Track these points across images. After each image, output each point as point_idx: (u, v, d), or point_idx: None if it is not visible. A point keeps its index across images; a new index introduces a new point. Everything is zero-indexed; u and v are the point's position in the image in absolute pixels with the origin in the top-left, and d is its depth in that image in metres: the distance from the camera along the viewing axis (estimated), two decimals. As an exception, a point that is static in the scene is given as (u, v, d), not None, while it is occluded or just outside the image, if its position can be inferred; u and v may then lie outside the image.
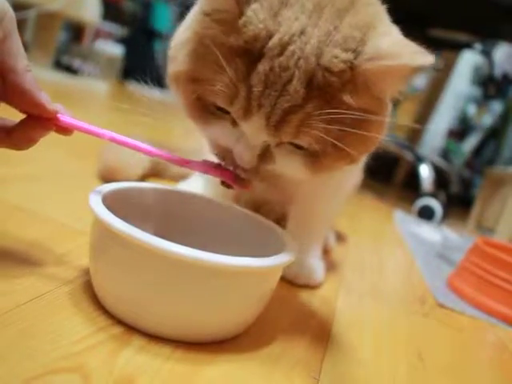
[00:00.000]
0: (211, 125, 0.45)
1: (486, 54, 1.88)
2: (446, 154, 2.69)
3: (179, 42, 0.45)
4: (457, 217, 1.96)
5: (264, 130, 0.41)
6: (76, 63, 2.53)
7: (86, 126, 0.43)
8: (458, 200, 2.18)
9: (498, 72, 2.24)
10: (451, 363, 0.56)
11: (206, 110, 0.45)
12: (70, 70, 2.42)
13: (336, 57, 0.39)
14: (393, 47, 0.40)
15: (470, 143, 2.69)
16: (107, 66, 2.79)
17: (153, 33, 3.28)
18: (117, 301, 0.41)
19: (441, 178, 1.87)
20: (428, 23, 1.71)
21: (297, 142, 0.42)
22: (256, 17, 0.39)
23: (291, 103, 0.39)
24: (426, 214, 1.62)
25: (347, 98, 0.40)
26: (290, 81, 0.39)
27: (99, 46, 2.93)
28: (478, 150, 2.65)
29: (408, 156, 1.92)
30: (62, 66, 2.41)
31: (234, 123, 0.43)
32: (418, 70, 0.39)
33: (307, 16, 0.40)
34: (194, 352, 0.40)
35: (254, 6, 0.39)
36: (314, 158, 0.44)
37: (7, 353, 0.33)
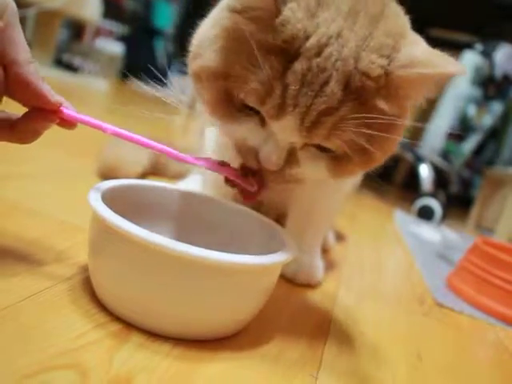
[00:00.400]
0: (238, 123, 0.44)
1: (487, 54, 1.88)
2: (445, 154, 2.69)
3: (205, 39, 0.44)
4: (456, 217, 1.96)
5: (296, 131, 0.41)
6: (76, 61, 2.53)
7: (89, 119, 0.43)
8: (457, 200, 2.18)
9: (498, 73, 2.24)
10: (450, 363, 0.56)
11: (232, 108, 0.44)
12: (70, 68, 2.42)
13: (373, 62, 0.40)
14: (426, 55, 0.41)
15: (470, 144, 2.68)
16: (107, 64, 2.79)
17: (153, 31, 3.28)
18: (115, 298, 0.40)
19: (441, 178, 1.87)
20: (428, 23, 1.71)
21: (327, 144, 0.42)
22: (294, 16, 0.39)
23: (328, 105, 0.39)
24: (425, 213, 1.62)
25: (380, 103, 0.41)
26: (327, 82, 0.39)
27: (100, 45, 2.94)
28: (478, 151, 2.65)
29: (408, 156, 1.92)
30: (62, 64, 2.42)
31: (263, 123, 0.43)
32: (448, 78, 0.41)
33: (343, 19, 0.40)
34: (193, 349, 0.39)
35: (291, 5, 0.39)
36: (338, 161, 0.44)
37: (5, 349, 0.33)
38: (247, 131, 0.44)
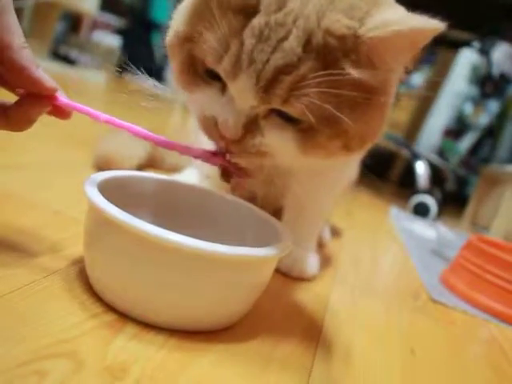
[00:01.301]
0: (199, 90, 0.43)
1: (485, 52, 1.88)
2: (442, 152, 2.70)
3: (180, 10, 0.44)
4: (452, 214, 1.97)
5: (252, 91, 0.38)
6: (73, 54, 2.52)
7: (82, 106, 0.43)
8: (453, 198, 2.18)
9: (495, 71, 2.24)
10: (443, 358, 0.56)
11: (196, 76, 0.43)
12: (67, 60, 2.41)
13: (339, 21, 0.37)
14: (399, 16, 0.38)
15: (466, 142, 2.69)
16: (104, 57, 2.78)
17: (151, 25, 3.27)
18: (110, 288, 0.40)
19: (436, 176, 1.87)
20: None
21: (287, 109, 0.39)
22: None
23: (285, 61, 0.37)
24: (421, 210, 1.63)
25: (348, 68, 0.38)
26: (285, 37, 0.37)
27: (97, 37, 2.92)
28: (474, 149, 2.66)
29: (404, 153, 1.93)
30: (59, 56, 2.40)
31: (223, 90, 0.42)
32: (425, 38, 0.37)
33: None
34: (187, 341, 0.39)
35: None
36: (306, 133, 0.41)
37: (-1, 338, 0.33)
38: (208, 98, 0.43)
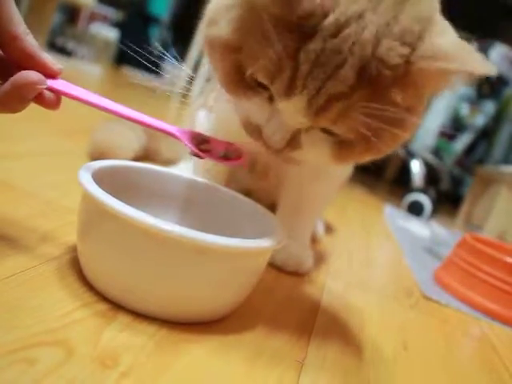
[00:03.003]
0: (246, 98, 0.43)
1: (482, 52, 1.88)
2: (437, 151, 2.70)
3: (222, 5, 0.42)
4: (446, 214, 1.98)
5: (303, 113, 0.39)
6: (70, 45, 2.51)
7: (78, 93, 0.42)
8: (447, 197, 2.19)
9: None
10: (435, 353, 0.57)
11: (243, 83, 0.42)
12: (63, 51, 2.39)
13: (393, 49, 0.37)
14: (452, 48, 0.38)
15: (462, 143, 2.70)
16: (101, 49, 2.77)
17: (149, 18, 3.25)
18: (103, 277, 0.40)
19: (431, 175, 1.88)
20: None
21: (333, 128, 0.40)
22: None
23: (338, 89, 0.37)
24: (415, 209, 1.63)
25: (395, 95, 0.38)
26: (341, 65, 0.37)
27: (94, 30, 2.91)
28: (469, 150, 2.66)
29: (400, 151, 1.93)
30: (56, 47, 2.39)
31: (271, 100, 0.41)
32: (473, 77, 0.37)
33: None
34: (178, 332, 0.39)
35: None
36: (342, 146, 0.42)
37: (-11, 324, 0.32)
38: (255, 107, 0.43)
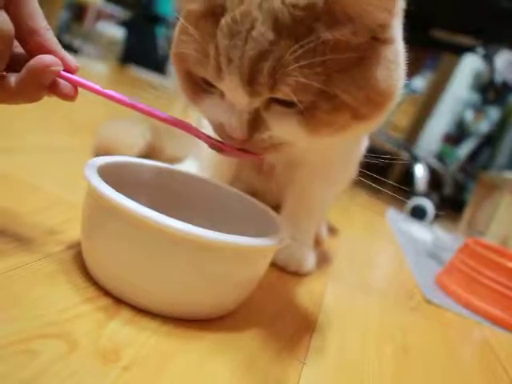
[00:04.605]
0: (203, 101, 0.44)
1: (488, 58, 1.88)
2: (441, 156, 2.70)
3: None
4: (448, 219, 1.97)
5: (240, 88, 0.38)
6: (76, 43, 2.52)
7: (88, 83, 0.42)
8: (450, 203, 2.19)
9: (497, 79, 2.25)
10: (435, 357, 0.56)
11: (197, 87, 0.43)
12: (69, 49, 2.40)
13: None
14: None
15: (466, 148, 2.69)
16: (108, 47, 2.77)
17: (155, 17, 3.25)
18: (106, 272, 0.40)
19: (435, 180, 1.87)
20: (431, 23, 1.71)
21: (277, 94, 0.38)
22: None
23: (257, 49, 0.36)
24: (418, 213, 1.63)
25: (322, 32, 0.36)
26: (252, 26, 0.36)
27: (100, 28, 2.91)
28: (473, 156, 2.66)
29: (404, 155, 1.92)
30: (62, 44, 2.39)
31: (222, 95, 0.41)
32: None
33: None
34: (181, 328, 0.39)
35: None
36: (309, 114, 0.39)
37: (-8, 316, 0.33)
38: (212, 107, 0.43)
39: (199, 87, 0.43)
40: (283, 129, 0.41)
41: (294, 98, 0.38)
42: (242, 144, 0.42)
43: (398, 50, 0.42)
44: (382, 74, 0.40)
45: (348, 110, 0.40)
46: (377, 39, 0.39)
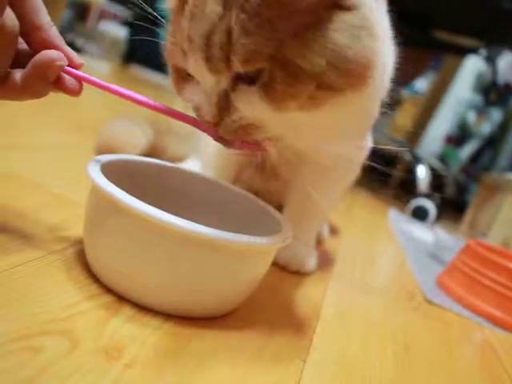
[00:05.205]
0: (185, 89, 0.45)
1: (491, 60, 1.88)
2: (443, 158, 2.70)
3: None
4: (450, 220, 1.97)
5: (202, 66, 0.39)
6: (79, 42, 2.52)
7: (94, 78, 0.43)
8: (451, 204, 2.19)
9: (500, 80, 2.24)
10: (436, 357, 0.56)
11: (181, 79, 0.45)
12: (72, 48, 2.40)
13: None
14: None
15: (468, 150, 2.69)
16: (110, 47, 2.78)
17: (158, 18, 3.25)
18: (109, 270, 0.40)
19: (437, 181, 1.87)
20: (433, 24, 1.71)
21: (234, 68, 0.38)
22: None
23: (208, 24, 0.37)
24: (419, 214, 1.63)
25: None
26: (204, 4, 0.38)
27: (103, 27, 2.91)
28: (475, 158, 2.66)
29: (406, 156, 1.92)
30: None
31: (198, 80, 0.42)
32: None
33: None
34: (183, 326, 0.40)
35: None
36: (269, 85, 0.38)
37: (-5, 312, 0.33)
38: (190, 93, 0.44)
39: (182, 78, 0.45)
40: (248, 107, 0.40)
41: (241, 69, 0.37)
42: (215, 127, 0.42)
43: (365, 17, 0.40)
44: (345, 41, 0.38)
45: (309, 79, 0.38)
46: (338, 6, 0.38)
